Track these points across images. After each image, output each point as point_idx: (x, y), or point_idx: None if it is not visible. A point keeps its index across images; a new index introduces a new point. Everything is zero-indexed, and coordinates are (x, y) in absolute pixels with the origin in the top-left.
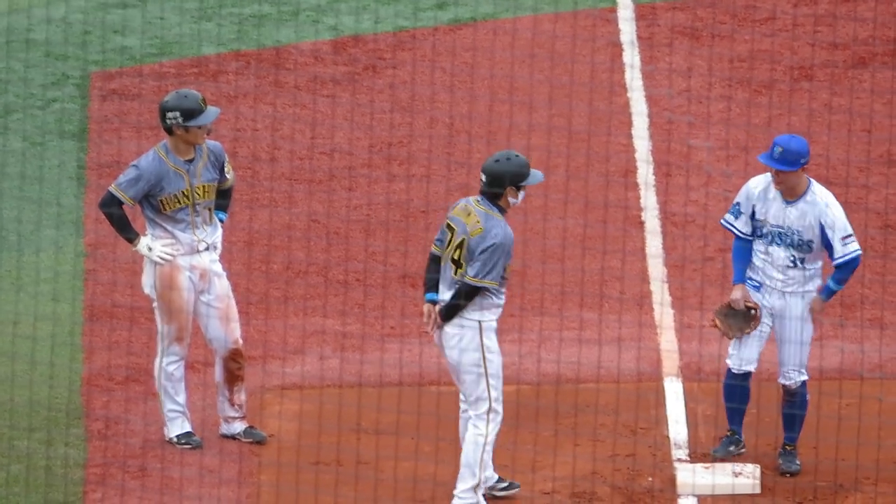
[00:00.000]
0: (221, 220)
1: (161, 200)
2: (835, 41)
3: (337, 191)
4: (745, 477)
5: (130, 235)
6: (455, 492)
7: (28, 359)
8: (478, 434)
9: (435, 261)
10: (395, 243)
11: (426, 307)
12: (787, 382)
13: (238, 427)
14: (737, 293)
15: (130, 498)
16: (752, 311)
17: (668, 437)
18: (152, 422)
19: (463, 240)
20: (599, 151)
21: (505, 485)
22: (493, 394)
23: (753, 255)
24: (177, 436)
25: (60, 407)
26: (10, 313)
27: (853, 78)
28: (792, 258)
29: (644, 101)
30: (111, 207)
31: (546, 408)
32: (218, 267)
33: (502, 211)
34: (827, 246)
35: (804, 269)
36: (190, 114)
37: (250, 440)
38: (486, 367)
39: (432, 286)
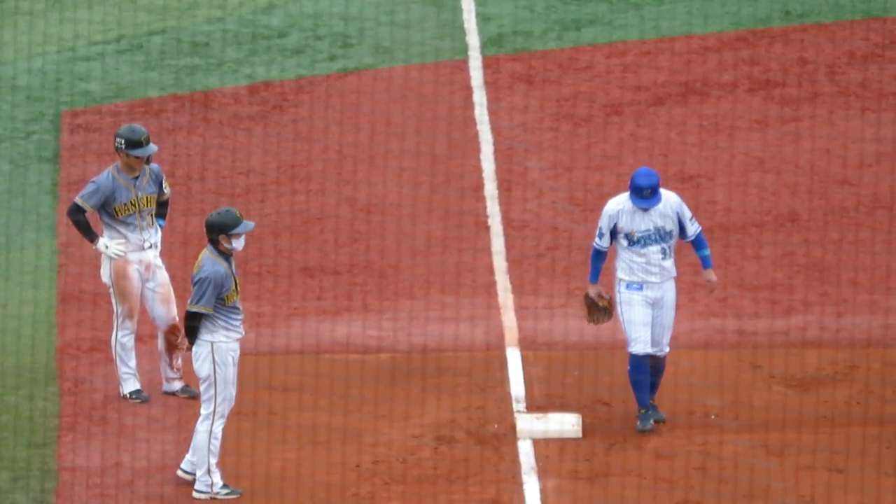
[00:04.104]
0: (161, 225)
1: (115, 208)
2: (639, 85)
3: (252, 202)
4: (569, 424)
5: (91, 236)
6: (197, 476)
7: (15, 333)
8: (206, 429)
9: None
10: (296, 243)
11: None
12: (662, 354)
13: (176, 385)
14: (592, 290)
15: (94, 440)
16: (608, 307)
17: (509, 393)
18: (110, 381)
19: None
20: (455, 171)
21: (228, 490)
22: (219, 399)
23: (630, 261)
24: (129, 392)
25: (39, 370)
26: (0, 298)
27: (653, 113)
28: (663, 250)
29: (490, 132)
30: (76, 215)
31: (415, 371)
32: (159, 261)
33: (224, 254)
34: (681, 229)
35: (671, 257)
36: (132, 144)
37: (186, 396)
38: (215, 378)
39: None
